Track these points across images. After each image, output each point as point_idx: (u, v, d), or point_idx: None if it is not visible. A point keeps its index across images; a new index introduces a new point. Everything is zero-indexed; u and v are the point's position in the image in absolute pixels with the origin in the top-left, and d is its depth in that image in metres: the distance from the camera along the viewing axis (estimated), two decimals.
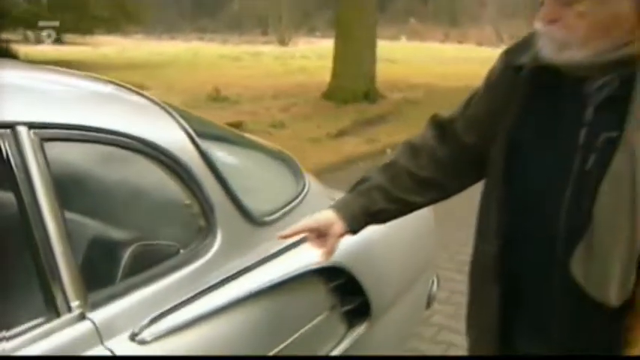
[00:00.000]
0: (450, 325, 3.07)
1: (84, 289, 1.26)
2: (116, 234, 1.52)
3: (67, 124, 1.32)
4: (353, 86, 10.04)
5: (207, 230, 1.59)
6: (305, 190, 2.02)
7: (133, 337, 1.31)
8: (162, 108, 1.65)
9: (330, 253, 1.36)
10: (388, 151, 7.15)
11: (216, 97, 10.22)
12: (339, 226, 1.34)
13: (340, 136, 7.55)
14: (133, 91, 1.73)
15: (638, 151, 1.04)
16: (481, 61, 18.18)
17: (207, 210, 1.59)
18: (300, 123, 8.39)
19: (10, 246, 1.24)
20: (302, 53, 20.78)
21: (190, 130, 1.60)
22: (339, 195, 2.28)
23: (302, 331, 1.72)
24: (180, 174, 1.54)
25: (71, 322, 1.22)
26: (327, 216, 1.35)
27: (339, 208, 1.35)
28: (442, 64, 17.60)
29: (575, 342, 1.19)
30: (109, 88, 1.73)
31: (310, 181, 2.12)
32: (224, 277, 1.54)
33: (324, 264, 1.78)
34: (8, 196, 1.21)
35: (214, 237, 1.59)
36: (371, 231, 2.00)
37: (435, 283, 2.62)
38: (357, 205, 1.35)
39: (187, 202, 1.60)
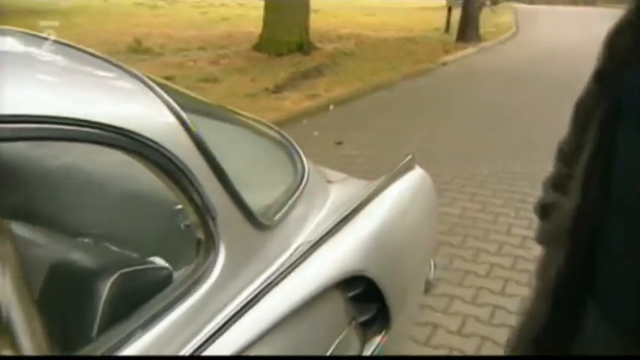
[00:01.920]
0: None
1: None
2: (87, 259, 1.08)
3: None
4: (287, 37, 9.50)
5: (207, 244, 1.19)
6: (305, 176, 1.63)
7: None
8: (137, 78, 1.19)
9: None
10: (331, 107, 6.79)
11: (138, 49, 9.38)
12: None
13: (279, 91, 7.09)
14: (79, 48, 1.26)
15: None
16: (406, 12, 18.16)
17: (207, 217, 1.18)
18: (233, 76, 7.82)
19: None
20: (221, 1, 19.72)
21: (181, 113, 1.17)
22: (332, 175, 1.93)
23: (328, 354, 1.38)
24: (172, 170, 1.11)
25: None
26: None
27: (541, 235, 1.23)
28: (368, 15, 17.24)
29: None
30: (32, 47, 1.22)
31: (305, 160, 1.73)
32: (235, 308, 1.17)
33: (347, 275, 1.45)
34: None
35: (217, 252, 1.20)
36: (389, 226, 1.70)
37: (433, 267, 2.35)
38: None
39: (179, 207, 1.19)
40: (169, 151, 1.09)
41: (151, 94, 1.16)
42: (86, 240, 1.20)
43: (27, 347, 0.77)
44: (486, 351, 2.45)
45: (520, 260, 3.21)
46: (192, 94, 1.64)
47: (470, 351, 2.47)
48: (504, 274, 3.07)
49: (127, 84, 1.16)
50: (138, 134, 1.02)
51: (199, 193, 1.16)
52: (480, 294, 2.87)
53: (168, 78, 6.07)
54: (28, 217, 1.13)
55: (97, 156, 1.26)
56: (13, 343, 0.76)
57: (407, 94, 7.88)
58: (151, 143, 1.05)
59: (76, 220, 1.23)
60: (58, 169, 1.37)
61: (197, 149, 1.17)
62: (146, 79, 1.19)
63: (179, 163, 1.11)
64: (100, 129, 0.96)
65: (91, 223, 1.16)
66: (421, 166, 2.02)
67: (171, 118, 1.15)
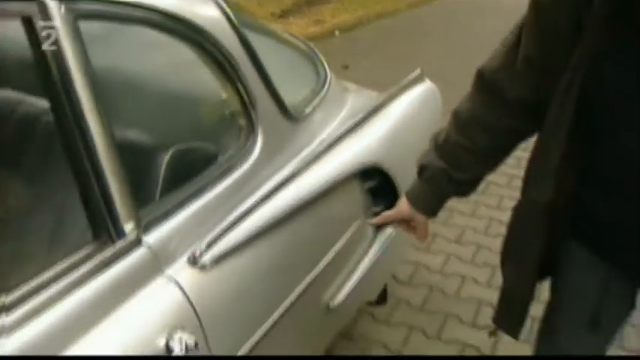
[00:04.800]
0: None
1: (136, 209, 1.01)
2: (147, 138, 1.23)
3: None
4: None
5: (248, 130, 1.34)
6: (328, 80, 1.76)
7: (193, 263, 1.10)
8: None
9: (426, 237, 1.34)
10: (337, 33, 6.81)
11: None
12: (420, 217, 1.28)
13: (285, 17, 7.06)
14: None
15: None
16: None
17: (248, 106, 1.33)
18: (240, 1, 7.76)
19: (46, 159, 0.95)
20: None
21: (226, 8, 1.29)
22: (348, 85, 2.06)
23: (344, 237, 1.56)
24: (220, 60, 1.25)
25: (127, 249, 0.99)
26: (406, 209, 1.29)
27: (414, 201, 1.27)
28: None
29: None
30: None
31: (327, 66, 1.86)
32: (271, 187, 1.33)
33: (364, 166, 1.61)
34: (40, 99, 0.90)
35: (255, 138, 1.35)
36: (401, 127, 1.85)
37: None
38: (428, 195, 1.26)
39: (225, 96, 1.33)
40: (219, 42, 1.22)
41: None
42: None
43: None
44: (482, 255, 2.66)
45: (515, 179, 3.39)
46: None
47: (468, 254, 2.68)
48: (500, 191, 3.26)
49: None
50: (194, 23, 1.15)
51: (243, 83, 1.30)
52: (477, 208, 3.07)
53: None
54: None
55: (134, 59, 1.38)
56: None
57: (410, 23, 7.85)
58: (205, 32, 1.18)
59: (123, 115, 1.36)
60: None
61: (240, 43, 1.31)
62: None
63: (227, 53, 1.24)
64: (164, 14, 1.09)
65: (153, 112, 1.30)
66: None
67: (217, 12, 1.27)
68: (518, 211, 1.16)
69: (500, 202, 3.14)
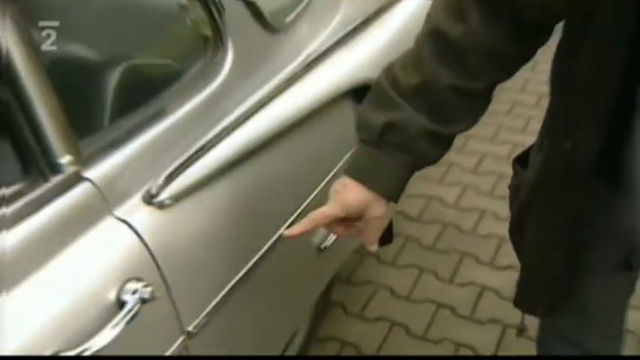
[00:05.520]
0: None
1: (74, 139, 0.94)
2: (91, 52, 1.14)
3: None
4: None
5: (215, 42, 1.25)
6: None
7: (149, 200, 1.03)
8: None
9: (375, 242, 1.04)
10: None
11: None
12: (378, 207, 0.98)
13: None
14: None
15: None
16: None
17: (214, 11, 1.23)
18: None
19: None
20: None
21: None
22: None
23: (335, 169, 1.49)
24: None
25: (64, 187, 0.92)
26: (356, 197, 0.97)
27: (372, 181, 0.97)
28: None
29: None
30: None
31: None
32: (245, 110, 1.25)
33: (358, 83, 1.51)
34: None
35: (225, 52, 1.26)
36: (397, 44, 1.74)
37: None
38: (397, 169, 0.98)
39: (184, 2, 1.23)
40: None
41: None
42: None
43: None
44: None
45: (544, 99, 3.27)
46: None
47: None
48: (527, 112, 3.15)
49: None
50: None
51: None
52: (499, 132, 2.98)
53: None
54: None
55: None
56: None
57: None
58: None
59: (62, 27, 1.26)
60: None
61: None
62: None
63: None
64: None
65: (79, 29, 1.20)
66: None
67: None
68: (545, 166, 1.01)
69: (526, 125, 3.03)
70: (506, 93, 3.30)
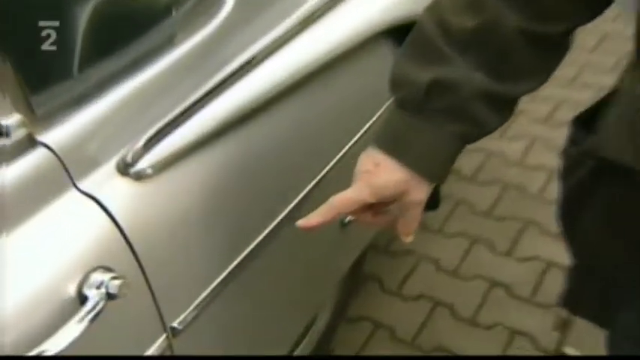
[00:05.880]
0: None
1: (25, 96, 0.83)
2: None
3: None
4: None
5: None
6: None
7: (124, 170, 0.92)
8: None
9: (412, 233, 0.89)
10: None
11: None
12: (419, 190, 0.84)
13: None
14: None
15: None
16: None
17: None
18: None
19: None
20: None
21: None
22: None
23: (365, 128, 1.38)
24: None
25: (12, 154, 0.80)
26: (392, 178, 0.83)
27: (412, 157, 0.83)
28: None
29: None
30: None
31: None
32: (252, 54, 1.12)
33: (398, 22, 1.39)
34: None
35: None
36: None
37: None
38: (444, 142, 0.83)
39: None
40: None
41: None
42: None
43: None
44: None
45: None
46: None
47: None
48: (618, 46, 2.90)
49: None
50: None
51: None
52: (582, 72, 2.76)
53: None
54: None
55: None
56: None
57: None
58: None
59: None
60: None
61: None
62: None
63: None
64: None
65: None
66: None
67: None
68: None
69: (616, 63, 2.77)
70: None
